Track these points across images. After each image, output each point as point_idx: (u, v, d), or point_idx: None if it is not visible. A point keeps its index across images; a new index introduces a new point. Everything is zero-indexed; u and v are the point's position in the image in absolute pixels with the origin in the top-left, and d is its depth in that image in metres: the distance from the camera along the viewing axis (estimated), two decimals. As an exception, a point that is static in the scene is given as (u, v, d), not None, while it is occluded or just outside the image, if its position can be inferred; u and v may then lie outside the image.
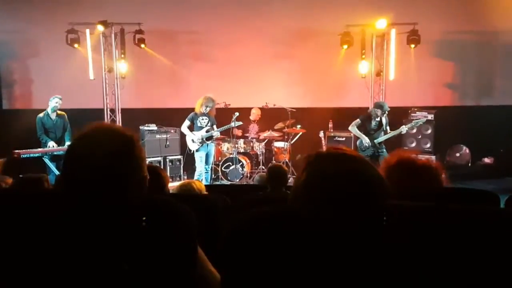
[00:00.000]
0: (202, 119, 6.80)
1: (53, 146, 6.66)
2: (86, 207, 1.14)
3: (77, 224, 1.13)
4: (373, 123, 6.71)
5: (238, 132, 7.95)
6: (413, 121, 7.10)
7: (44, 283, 1.11)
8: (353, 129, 6.83)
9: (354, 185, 1.12)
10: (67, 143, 6.84)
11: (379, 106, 6.72)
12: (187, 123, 6.84)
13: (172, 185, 6.18)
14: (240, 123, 7.27)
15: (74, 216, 1.14)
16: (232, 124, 7.05)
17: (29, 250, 1.12)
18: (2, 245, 1.14)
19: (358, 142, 6.85)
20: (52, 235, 1.13)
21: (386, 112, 6.69)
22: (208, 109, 6.73)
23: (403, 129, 6.71)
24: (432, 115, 8.40)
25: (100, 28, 7.80)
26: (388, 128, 6.76)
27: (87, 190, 1.15)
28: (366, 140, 6.66)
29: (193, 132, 6.83)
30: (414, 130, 8.44)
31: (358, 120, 6.82)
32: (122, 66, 8.23)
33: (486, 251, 1.02)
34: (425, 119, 7.41)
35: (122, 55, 8.17)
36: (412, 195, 1.52)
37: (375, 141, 6.68)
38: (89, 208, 1.14)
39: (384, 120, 6.71)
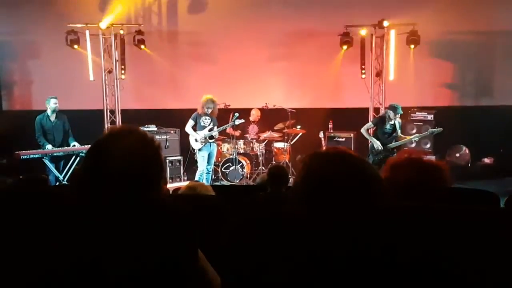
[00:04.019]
0: (205, 119, 6.86)
1: (51, 149, 6.64)
2: (100, 204, 1.15)
3: (86, 220, 1.13)
4: (387, 126, 6.59)
5: (238, 133, 7.96)
6: (428, 130, 6.95)
7: (47, 280, 1.11)
8: (364, 132, 6.76)
9: (352, 185, 1.12)
10: (73, 143, 6.83)
11: (392, 108, 6.54)
12: (191, 123, 6.91)
13: (172, 186, 6.20)
14: (242, 120, 7.28)
15: (83, 212, 1.14)
16: (235, 122, 7.08)
17: (33, 249, 1.13)
18: (5, 245, 1.14)
19: (370, 146, 6.72)
20: (55, 231, 1.13)
21: (399, 115, 6.56)
22: (209, 110, 6.79)
23: (415, 137, 6.70)
24: (432, 116, 8.40)
25: (103, 26, 7.81)
26: (399, 131, 6.67)
27: (112, 187, 1.17)
28: (377, 144, 6.53)
29: (196, 131, 6.88)
30: (414, 131, 8.45)
31: (370, 123, 6.80)
32: (121, 69, 8.23)
33: (486, 251, 1.02)
34: (440, 129, 6.95)
35: (122, 56, 8.18)
36: (417, 194, 1.53)
37: (388, 145, 6.56)
38: (102, 205, 1.15)
39: (398, 124, 6.61)
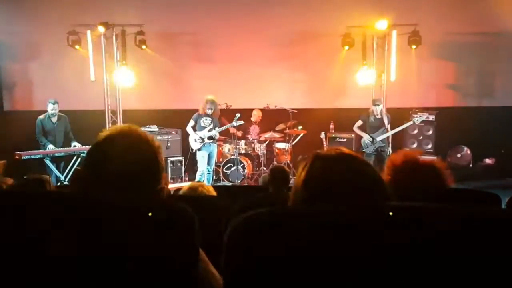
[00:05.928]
0: (206, 120, 6.88)
1: (52, 149, 6.66)
2: (101, 206, 1.15)
3: (85, 220, 1.14)
4: (371, 118, 7.02)
5: (239, 133, 7.96)
6: (412, 120, 7.30)
7: (47, 281, 1.12)
8: (355, 128, 7.23)
9: (353, 185, 1.12)
10: (74, 143, 6.85)
11: (371, 100, 7.16)
12: (191, 123, 6.95)
13: (173, 186, 6.20)
14: (242, 122, 7.29)
15: (82, 212, 1.14)
16: (234, 123, 7.09)
17: (33, 250, 1.13)
18: (7, 245, 1.14)
19: (362, 141, 7.14)
20: (56, 233, 1.13)
21: (379, 106, 6.97)
22: (210, 111, 6.80)
23: (398, 129, 7.06)
24: (434, 116, 8.40)
25: (101, 29, 7.80)
26: (389, 126, 7.03)
27: (111, 187, 1.17)
28: (366, 137, 6.98)
29: (196, 132, 6.90)
30: (416, 131, 8.45)
31: (359, 120, 7.17)
32: (123, 69, 8.22)
33: (487, 253, 1.02)
34: (422, 118, 7.50)
35: (123, 57, 8.19)
36: (416, 195, 1.53)
37: (376, 138, 6.92)
38: (103, 208, 1.15)
39: (385, 119, 6.86)
